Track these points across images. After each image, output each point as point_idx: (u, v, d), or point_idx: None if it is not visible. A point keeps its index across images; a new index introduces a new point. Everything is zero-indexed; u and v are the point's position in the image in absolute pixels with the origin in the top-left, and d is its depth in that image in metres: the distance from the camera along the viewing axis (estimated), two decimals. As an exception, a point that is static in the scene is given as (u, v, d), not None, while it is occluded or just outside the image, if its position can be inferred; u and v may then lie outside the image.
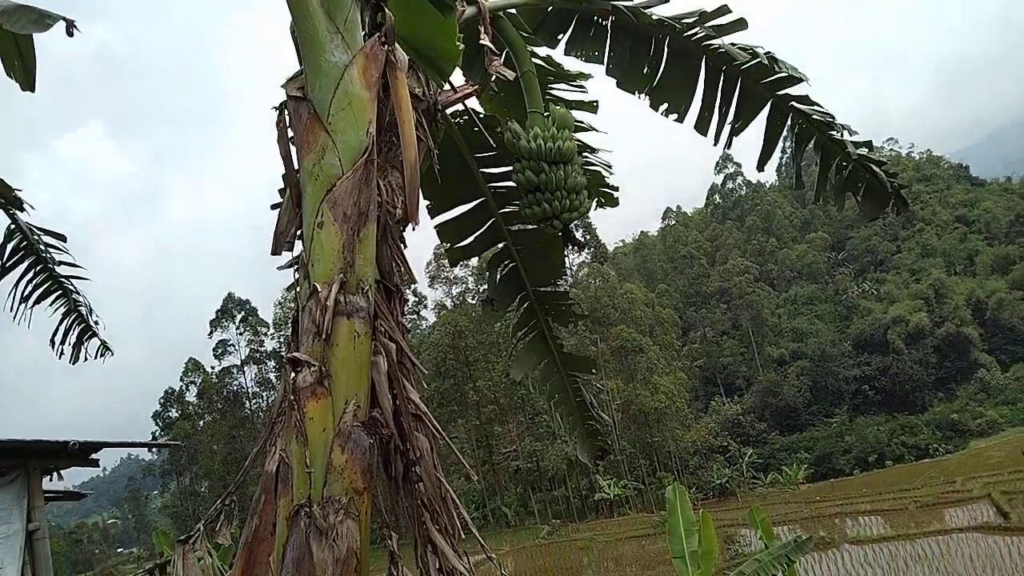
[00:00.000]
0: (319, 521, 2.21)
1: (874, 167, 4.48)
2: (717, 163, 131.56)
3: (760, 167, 4.73)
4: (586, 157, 4.61)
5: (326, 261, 2.45)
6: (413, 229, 2.73)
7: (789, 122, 4.48)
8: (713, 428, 79.65)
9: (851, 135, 4.47)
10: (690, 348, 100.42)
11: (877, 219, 6.57)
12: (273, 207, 2.98)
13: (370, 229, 2.54)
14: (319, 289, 2.39)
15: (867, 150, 4.49)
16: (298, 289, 2.59)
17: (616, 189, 4.86)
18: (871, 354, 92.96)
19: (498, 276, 4.97)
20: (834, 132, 4.44)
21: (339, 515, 2.24)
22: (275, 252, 2.72)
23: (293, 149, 2.74)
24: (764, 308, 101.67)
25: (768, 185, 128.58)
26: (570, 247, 4.37)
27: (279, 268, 2.89)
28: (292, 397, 2.35)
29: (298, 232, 2.70)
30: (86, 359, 6.90)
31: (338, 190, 2.47)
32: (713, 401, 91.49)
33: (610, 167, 4.75)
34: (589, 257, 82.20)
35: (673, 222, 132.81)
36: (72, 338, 6.80)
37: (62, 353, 6.87)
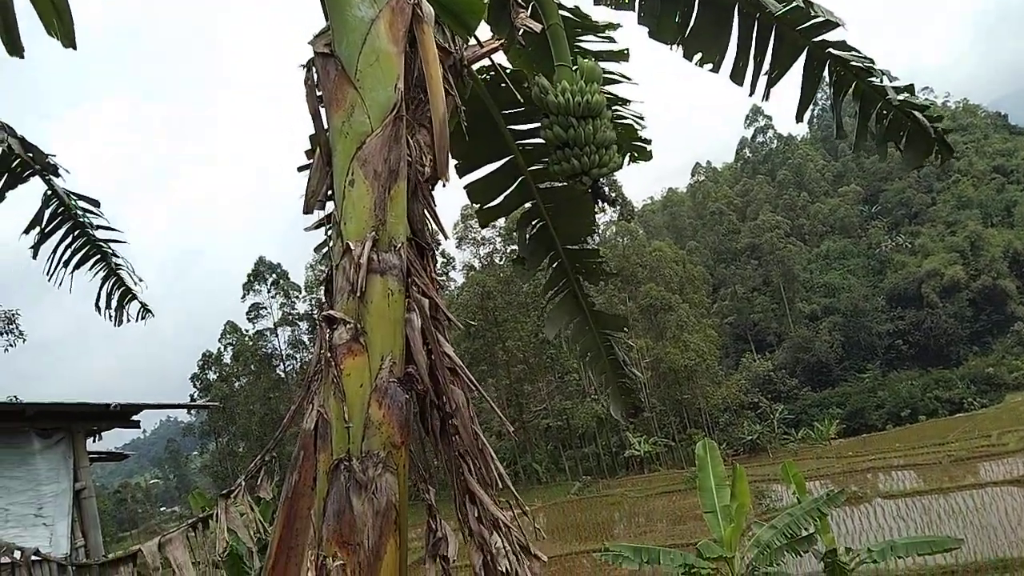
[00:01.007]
0: (358, 475, 2.24)
1: (916, 113, 4.36)
2: (747, 116, 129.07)
3: (799, 117, 4.63)
4: (617, 110, 4.53)
5: (358, 219, 2.45)
6: (443, 186, 2.72)
7: (827, 69, 4.36)
8: (744, 385, 79.41)
9: (891, 81, 4.34)
10: (720, 305, 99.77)
11: (917, 169, 6.42)
12: (300, 169, 2.98)
13: (401, 186, 2.53)
14: (352, 247, 2.39)
15: (909, 95, 4.36)
16: (331, 248, 2.60)
17: (649, 142, 4.77)
18: (904, 308, 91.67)
19: (528, 235, 4.95)
20: (874, 78, 4.32)
21: (378, 469, 2.27)
22: (307, 211, 2.73)
23: (322, 109, 2.73)
24: (795, 263, 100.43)
25: (799, 138, 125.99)
26: (600, 204, 4.33)
27: (307, 229, 2.90)
28: (329, 354, 2.37)
29: (329, 191, 2.70)
30: (128, 321, 7.01)
31: (368, 147, 2.47)
32: (744, 358, 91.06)
33: (642, 119, 4.65)
34: (616, 215, 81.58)
35: (702, 178, 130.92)
36: (114, 301, 6.91)
37: (110, 316, 6.98)
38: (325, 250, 2.81)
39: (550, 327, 5.33)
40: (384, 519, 2.25)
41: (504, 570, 2.37)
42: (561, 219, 4.85)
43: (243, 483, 3.20)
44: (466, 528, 2.44)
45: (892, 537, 20.20)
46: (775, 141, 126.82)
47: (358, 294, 2.37)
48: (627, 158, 4.80)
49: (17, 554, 3.69)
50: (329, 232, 2.83)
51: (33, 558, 3.61)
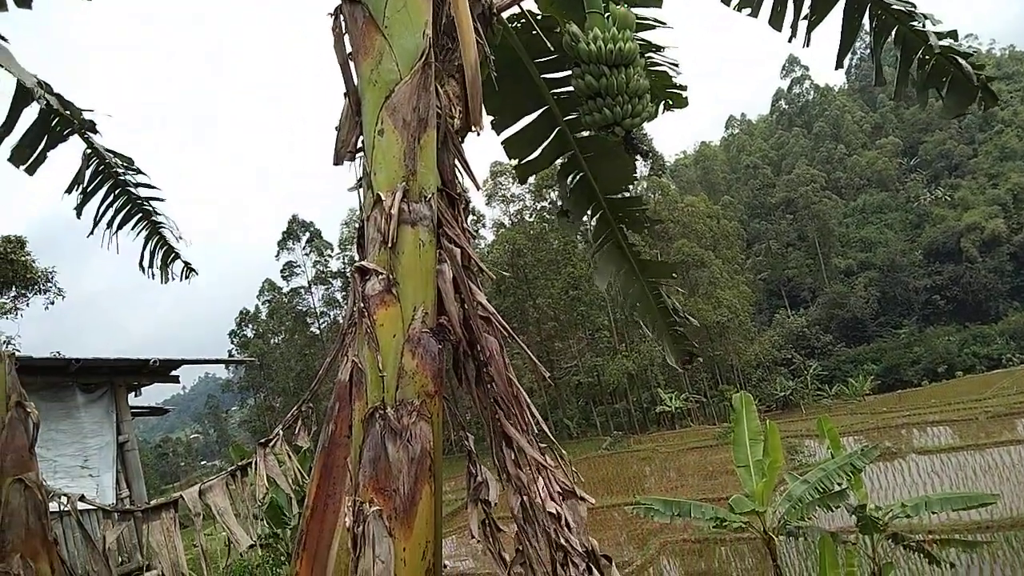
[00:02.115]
0: (393, 423, 2.27)
1: (959, 59, 4.20)
2: (783, 67, 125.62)
3: (839, 63, 4.49)
4: (651, 57, 4.42)
5: (388, 169, 2.44)
6: (478, 134, 2.69)
7: (867, 13, 4.21)
8: (777, 341, 78.78)
9: (934, 25, 4.18)
10: (754, 261, 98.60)
11: (958, 119, 6.22)
12: (337, 128, 2.96)
13: (430, 135, 2.51)
14: (383, 197, 2.39)
15: (952, 41, 4.20)
16: (361, 199, 2.59)
17: (684, 88, 4.65)
18: (943, 263, 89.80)
19: (568, 187, 4.89)
20: (915, 23, 4.16)
21: (412, 417, 2.30)
22: (337, 162, 2.72)
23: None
24: (831, 218, 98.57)
25: (837, 89, 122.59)
26: (633, 155, 4.25)
27: (348, 188, 2.89)
28: (362, 305, 2.39)
29: (359, 142, 2.69)
30: (173, 280, 7.08)
31: (397, 96, 2.44)
32: (777, 314, 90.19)
33: (677, 66, 4.53)
34: (648, 170, 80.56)
35: (736, 131, 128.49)
36: (157, 260, 6.96)
37: (153, 276, 7.05)
38: (360, 199, 2.80)
39: (599, 278, 5.30)
40: (419, 466, 2.28)
41: (553, 512, 2.38)
42: (600, 168, 4.78)
43: (281, 432, 3.27)
44: (504, 473, 2.47)
45: (926, 492, 20.11)
46: (812, 92, 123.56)
47: (389, 245, 2.37)
48: (661, 106, 4.70)
49: (64, 500, 3.84)
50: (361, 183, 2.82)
51: (79, 504, 3.75)
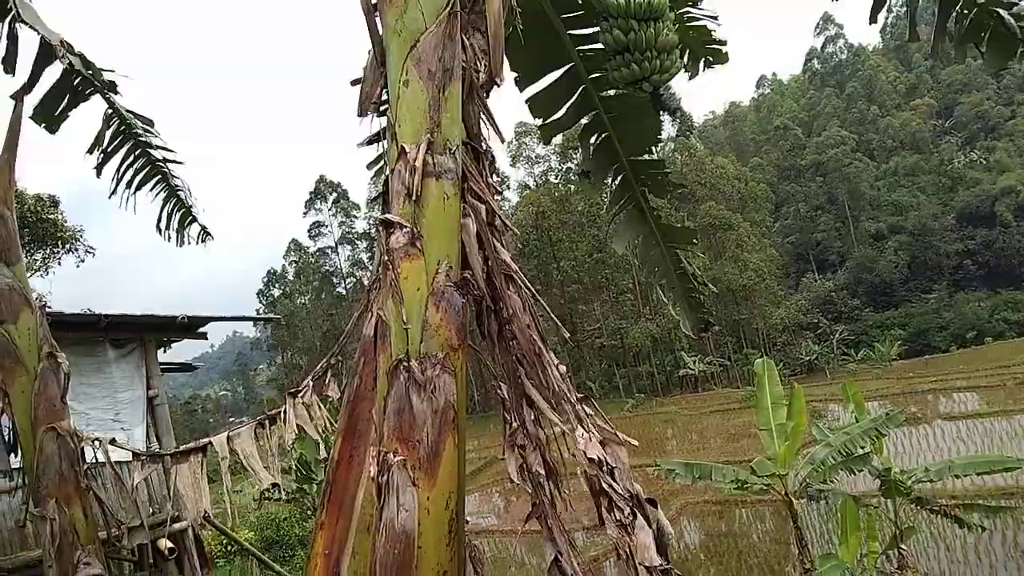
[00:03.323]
0: (417, 375, 2.29)
1: (1001, 11, 4.06)
2: (817, 24, 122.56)
3: (872, 19, 4.36)
4: (687, 11, 4.29)
5: (413, 121, 2.42)
6: (498, 86, 2.66)
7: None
8: (803, 305, 78.11)
9: (975, -25, 4.04)
10: (782, 224, 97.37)
11: (997, 77, 6.02)
12: (353, 83, 2.93)
13: (455, 87, 2.48)
14: (407, 149, 2.38)
15: (994, -9, 4.06)
16: (386, 152, 2.58)
17: (724, 43, 4.50)
18: (976, 227, 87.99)
19: (591, 147, 4.82)
20: (955, -27, 4.03)
21: (436, 369, 2.31)
22: (361, 114, 2.71)
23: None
24: (862, 181, 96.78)
25: (871, 48, 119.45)
26: (661, 112, 4.18)
27: (359, 145, 2.87)
28: (386, 258, 2.39)
29: (384, 95, 2.67)
30: (189, 243, 7.13)
31: (422, 46, 2.42)
32: (804, 278, 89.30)
33: (716, 18, 4.37)
34: (675, 131, 79.46)
35: (768, 91, 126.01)
36: (175, 223, 7.00)
37: (169, 238, 7.09)
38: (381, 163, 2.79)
39: (618, 242, 5.20)
40: (443, 418, 2.30)
41: (595, 458, 2.38)
42: (624, 130, 4.69)
43: (310, 383, 3.32)
44: (523, 431, 2.47)
45: (950, 458, 20.02)
46: (845, 51, 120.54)
47: (414, 197, 2.37)
48: (701, 63, 4.57)
49: (96, 444, 3.94)
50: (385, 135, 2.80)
51: (111, 448, 3.86)
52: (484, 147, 2.63)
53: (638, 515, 2.32)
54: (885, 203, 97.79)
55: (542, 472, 2.41)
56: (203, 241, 7.39)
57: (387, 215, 2.43)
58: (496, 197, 2.62)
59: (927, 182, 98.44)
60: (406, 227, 2.37)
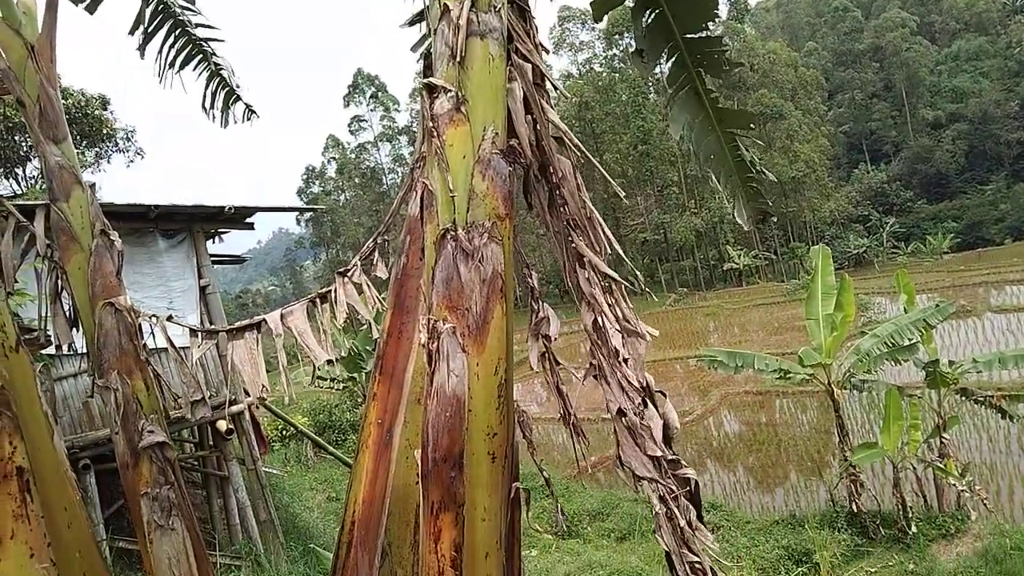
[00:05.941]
0: (464, 243, 2.26)
1: None
2: None
3: None
4: None
5: (456, -24, 2.30)
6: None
7: None
8: (854, 197, 75.96)
9: None
10: (836, 112, 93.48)
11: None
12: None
13: (500, -60, 2.34)
14: (450, 7, 2.26)
15: None
16: (429, 13, 2.47)
17: None
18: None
19: (644, 25, 4.56)
20: None
21: (483, 238, 2.28)
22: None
23: None
24: (921, 66, 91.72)
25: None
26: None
27: (401, 26, 2.75)
28: (431, 124, 2.32)
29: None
30: (235, 122, 7.09)
31: None
32: (857, 169, 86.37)
33: None
34: (725, 15, 75.70)
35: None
36: (219, 102, 6.95)
37: (214, 118, 7.06)
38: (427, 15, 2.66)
39: (674, 127, 4.99)
40: (491, 287, 2.28)
41: (614, 348, 2.39)
42: (679, 5, 4.42)
43: (358, 262, 3.32)
44: (578, 292, 2.45)
45: (1000, 350, 19.75)
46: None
47: (458, 59, 2.27)
48: None
49: (153, 319, 4.06)
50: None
51: (167, 323, 3.98)
52: (529, 5, 2.50)
53: (648, 404, 2.33)
54: (945, 89, 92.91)
55: (605, 328, 2.39)
56: (248, 119, 7.34)
57: (431, 79, 2.34)
58: (544, 51, 2.50)
59: (991, 67, 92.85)
60: (451, 91, 2.29)
